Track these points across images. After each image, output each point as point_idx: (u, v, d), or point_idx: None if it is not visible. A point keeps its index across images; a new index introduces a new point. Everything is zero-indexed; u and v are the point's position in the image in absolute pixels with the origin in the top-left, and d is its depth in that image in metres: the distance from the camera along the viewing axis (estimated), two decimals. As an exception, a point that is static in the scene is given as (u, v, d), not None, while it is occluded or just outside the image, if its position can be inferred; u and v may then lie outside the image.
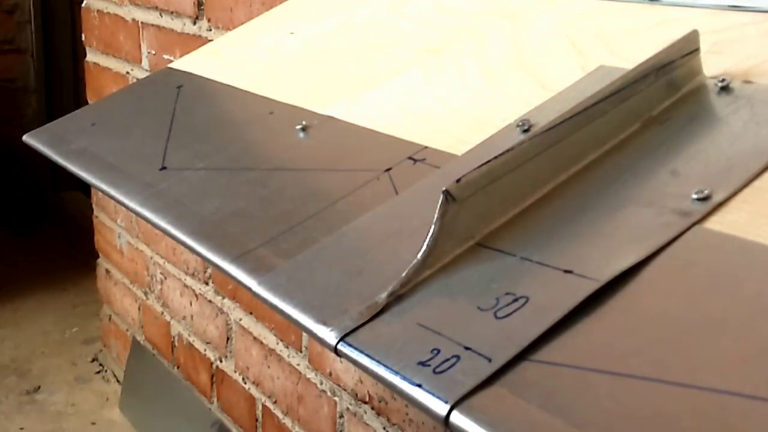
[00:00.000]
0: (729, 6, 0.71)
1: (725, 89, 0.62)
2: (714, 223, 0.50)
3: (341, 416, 1.31)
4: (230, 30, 1.25)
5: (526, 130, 0.63)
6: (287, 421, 1.46)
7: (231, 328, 1.61)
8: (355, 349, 0.49)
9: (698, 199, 0.52)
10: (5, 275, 2.80)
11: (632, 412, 0.39)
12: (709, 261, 0.48)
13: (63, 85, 3.29)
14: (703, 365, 0.41)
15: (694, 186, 0.53)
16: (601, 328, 0.45)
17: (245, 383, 1.59)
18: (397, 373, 0.46)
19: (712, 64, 0.64)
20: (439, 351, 0.46)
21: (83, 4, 2.08)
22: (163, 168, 0.79)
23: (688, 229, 0.50)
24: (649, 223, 0.51)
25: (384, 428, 1.21)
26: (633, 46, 0.70)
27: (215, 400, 1.72)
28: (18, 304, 2.67)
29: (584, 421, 0.40)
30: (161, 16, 1.69)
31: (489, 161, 0.54)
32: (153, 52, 1.75)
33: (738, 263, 0.47)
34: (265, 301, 0.57)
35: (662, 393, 0.40)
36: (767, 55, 0.64)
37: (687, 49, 0.63)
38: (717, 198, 0.52)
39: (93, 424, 2.11)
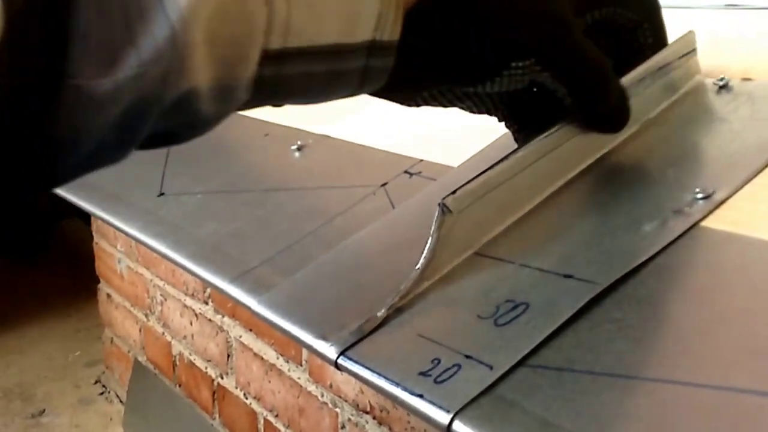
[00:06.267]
0: (726, 5, 0.71)
1: (724, 88, 0.62)
2: (716, 222, 0.50)
3: (343, 427, 1.31)
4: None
5: (521, 138, 0.63)
6: (290, 435, 1.46)
7: (231, 345, 1.61)
8: (356, 362, 0.49)
9: (700, 198, 0.51)
10: (9, 303, 2.80)
11: (638, 414, 0.39)
12: (713, 260, 0.48)
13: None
14: (708, 364, 0.40)
15: (696, 185, 0.53)
16: (603, 331, 0.45)
17: (246, 398, 1.59)
18: (398, 384, 0.46)
19: (710, 64, 0.64)
20: (439, 361, 0.46)
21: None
22: (161, 194, 0.79)
23: (691, 228, 0.50)
24: (651, 224, 0.51)
25: (387, 438, 1.21)
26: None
27: (217, 416, 1.72)
28: (22, 330, 2.67)
29: (589, 426, 0.39)
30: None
31: (485, 171, 0.54)
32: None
33: (742, 261, 0.47)
34: (265, 319, 0.57)
35: (668, 393, 0.39)
36: (766, 52, 0.64)
37: (684, 50, 0.63)
38: (719, 196, 0.51)
39: (97, 444, 2.12)
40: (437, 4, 0.49)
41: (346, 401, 1.29)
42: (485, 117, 0.57)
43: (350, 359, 0.50)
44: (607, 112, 0.56)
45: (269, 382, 1.50)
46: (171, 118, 0.44)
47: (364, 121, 0.81)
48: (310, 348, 0.52)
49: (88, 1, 0.38)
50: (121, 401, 2.21)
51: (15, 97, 0.37)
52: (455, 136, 0.72)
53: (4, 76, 0.36)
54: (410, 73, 0.51)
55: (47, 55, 0.37)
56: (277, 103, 0.49)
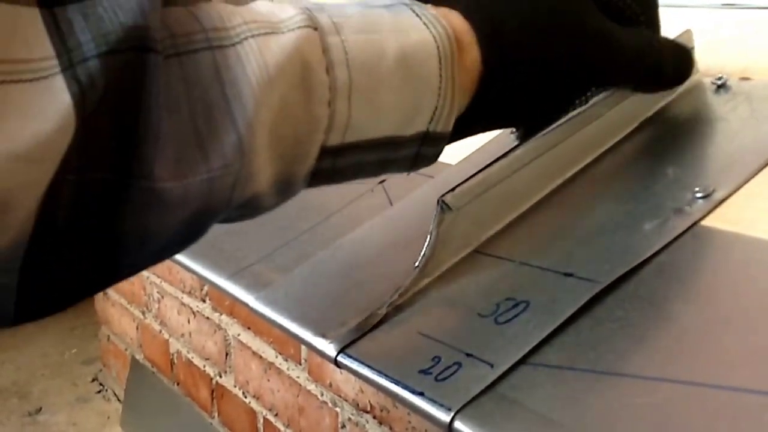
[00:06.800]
0: (722, 4, 0.71)
1: (722, 87, 0.62)
2: (717, 221, 0.50)
3: (343, 426, 1.30)
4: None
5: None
6: (289, 434, 1.46)
7: (229, 343, 1.61)
8: (356, 360, 0.49)
9: (700, 197, 0.51)
10: (2, 299, 2.79)
11: (640, 413, 0.39)
12: (713, 259, 0.48)
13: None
14: (710, 363, 0.40)
15: (695, 184, 0.52)
16: (604, 329, 0.44)
17: (246, 397, 1.59)
18: (398, 382, 0.46)
19: (707, 63, 0.64)
20: (440, 359, 0.46)
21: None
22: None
23: (690, 227, 0.49)
24: (651, 222, 0.51)
25: (387, 437, 1.21)
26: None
27: (216, 415, 1.72)
28: (17, 327, 2.66)
29: (590, 424, 0.39)
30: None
31: (484, 168, 0.54)
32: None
33: (742, 260, 0.46)
34: (263, 316, 0.57)
35: (669, 392, 0.39)
36: (763, 52, 0.64)
37: None
38: (718, 195, 0.51)
39: (95, 443, 2.11)
40: (498, 79, 0.50)
41: (346, 401, 1.29)
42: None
43: (350, 357, 0.50)
44: (669, 81, 0.60)
45: (268, 380, 1.50)
46: (234, 213, 0.45)
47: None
48: (309, 345, 0.52)
49: (159, 102, 0.38)
50: (119, 399, 2.21)
51: (82, 193, 0.36)
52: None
53: (73, 173, 0.35)
54: (466, 135, 0.53)
55: (116, 153, 0.37)
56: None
